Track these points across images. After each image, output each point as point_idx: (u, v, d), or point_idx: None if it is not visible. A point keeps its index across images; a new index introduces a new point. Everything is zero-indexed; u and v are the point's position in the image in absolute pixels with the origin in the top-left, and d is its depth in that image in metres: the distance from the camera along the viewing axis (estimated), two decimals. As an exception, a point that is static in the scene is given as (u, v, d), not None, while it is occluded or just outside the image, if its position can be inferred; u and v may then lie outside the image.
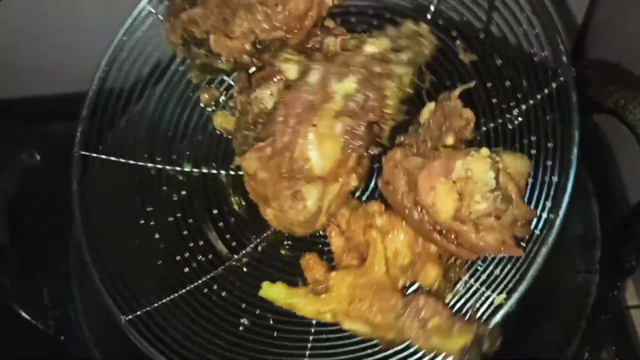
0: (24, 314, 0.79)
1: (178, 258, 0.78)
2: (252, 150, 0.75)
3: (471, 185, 0.65)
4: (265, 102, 0.77)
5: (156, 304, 0.74)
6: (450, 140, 0.72)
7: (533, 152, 0.71)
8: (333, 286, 0.72)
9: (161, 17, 0.82)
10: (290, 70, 0.76)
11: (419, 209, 0.68)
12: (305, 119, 0.73)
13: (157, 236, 0.79)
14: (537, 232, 0.68)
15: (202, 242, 0.80)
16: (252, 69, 0.82)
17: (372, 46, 0.74)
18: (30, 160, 0.87)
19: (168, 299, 0.75)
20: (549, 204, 0.68)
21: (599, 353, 0.80)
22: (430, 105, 0.74)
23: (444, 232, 0.68)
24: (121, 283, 0.72)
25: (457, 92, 0.73)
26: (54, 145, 0.89)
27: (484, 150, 0.66)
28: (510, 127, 0.75)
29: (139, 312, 0.72)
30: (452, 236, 0.67)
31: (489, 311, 0.67)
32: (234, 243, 0.82)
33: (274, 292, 0.75)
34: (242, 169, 0.76)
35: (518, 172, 0.68)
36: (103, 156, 0.79)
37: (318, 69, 0.74)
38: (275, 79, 0.76)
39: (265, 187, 0.75)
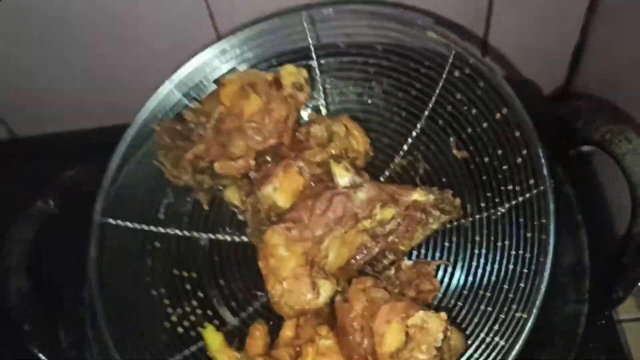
0: (41, 356, 0.84)
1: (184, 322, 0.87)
2: (281, 225, 0.86)
3: (422, 336, 0.75)
4: (272, 196, 0.89)
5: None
6: (412, 294, 0.85)
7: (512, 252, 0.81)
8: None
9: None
10: (345, 179, 0.89)
11: (363, 335, 0.78)
12: (340, 223, 0.86)
13: (166, 302, 0.88)
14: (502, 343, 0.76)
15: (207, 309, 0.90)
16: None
17: (421, 195, 0.87)
18: (46, 208, 0.91)
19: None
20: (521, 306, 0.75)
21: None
22: (408, 263, 0.89)
23: None
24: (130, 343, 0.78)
25: (434, 264, 0.87)
26: (67, 192, 0.94)
27: (443, 315, 0.76)
28: (493, 219, 0.86)
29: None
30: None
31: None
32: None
33: (211, 337, 0.84)
34: (263, 240, 0.85)
35: (456, 346, 0.78)
36: (120, 222, 0.87)
37: (369, 187, 0.88)
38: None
39: (283, 264, 0.84)
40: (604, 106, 0.92)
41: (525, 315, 0.73)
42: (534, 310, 0.72)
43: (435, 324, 0.74)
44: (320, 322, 0.85)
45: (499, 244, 0.83)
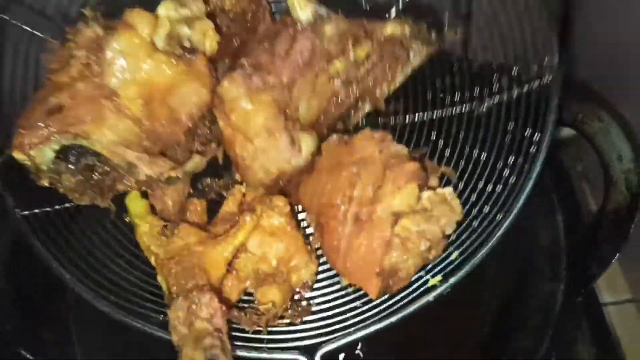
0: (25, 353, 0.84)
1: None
2: (235, 73, 0.68)
3: (439, 211, 0.65)
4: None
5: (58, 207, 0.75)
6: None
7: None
8: (176, 235, 0.70)
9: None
10: (304, 14, 0.72)
11: (361, 183, 0.65)
12: (310, 65, 0.70)
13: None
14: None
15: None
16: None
17: (396, 27, 0.73)
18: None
19: (70, 204, 0.75)
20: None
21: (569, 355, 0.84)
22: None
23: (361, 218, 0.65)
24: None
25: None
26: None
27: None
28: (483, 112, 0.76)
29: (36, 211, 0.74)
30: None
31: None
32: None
33: (136, 205, 0.74)
34: (219, 94, 0.68)
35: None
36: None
37: (337, 21, 0.72)
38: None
39: (250, 119, 0.67)
40: (576, 86, 0.92)
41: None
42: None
43: (455, 205, 0.65)
44: (273, 192, 0.73)
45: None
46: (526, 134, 0.71)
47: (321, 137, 0.73)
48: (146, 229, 0.72)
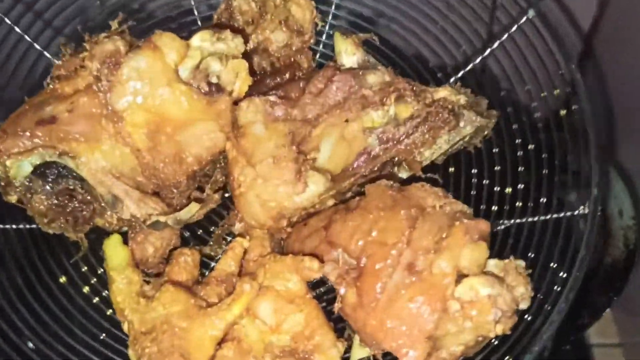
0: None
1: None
2: (256, 97, 0.62)
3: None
4: None
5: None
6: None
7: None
8: (157, 300, 0.56)
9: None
10: (351, 59, 0.68)
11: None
12: (342, 107, 0.64)
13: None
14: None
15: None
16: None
17: (451, 93, 0.66)
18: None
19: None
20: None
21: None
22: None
23: None
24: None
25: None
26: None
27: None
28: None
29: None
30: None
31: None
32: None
33: (116, 253, 0.61)
34: (238, 113, 0.62)
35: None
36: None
37: (384, 73, 0.66)
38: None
39: (260, 145, 0.60)
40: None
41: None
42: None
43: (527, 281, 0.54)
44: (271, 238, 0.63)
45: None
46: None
47: (340, 191, 0.64)
48: (123, 286, 0.59)
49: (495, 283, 0.50)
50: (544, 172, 0.68)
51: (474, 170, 0.73)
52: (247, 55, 0.62)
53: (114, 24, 0.59)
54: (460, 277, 0.51)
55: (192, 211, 0.60)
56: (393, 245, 0.53)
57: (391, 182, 0.61)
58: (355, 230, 0.56)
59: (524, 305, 0.52)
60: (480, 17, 0.76)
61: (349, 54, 0.69)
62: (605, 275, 0.81)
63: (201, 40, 0.59)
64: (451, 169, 0.73)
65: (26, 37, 0.68)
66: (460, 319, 0.50)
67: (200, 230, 0.71)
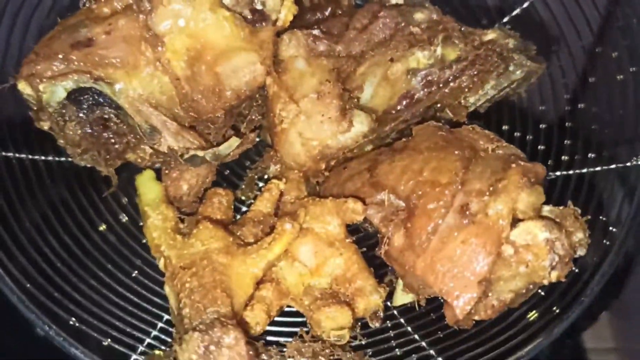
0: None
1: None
2: (299, 31, 0.60)
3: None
4: None
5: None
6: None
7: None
8: (194, 236, 0.54)
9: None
10: None
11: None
12: (387, 45, 0.61)
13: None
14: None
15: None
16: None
17: (499, 36, 0.63)
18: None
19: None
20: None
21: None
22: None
23: None
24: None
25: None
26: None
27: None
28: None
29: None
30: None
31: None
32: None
33: (150, 188, 0.59)
34: (280, 46, 0.60)
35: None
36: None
37: (432, 11, 0.63)
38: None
39: (303, 80, 0.58)
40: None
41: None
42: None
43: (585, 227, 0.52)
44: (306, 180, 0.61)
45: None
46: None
47: (379, 136, 0.61)
48: (158, 222, 0.56)
49: (554, 227, 0.48)
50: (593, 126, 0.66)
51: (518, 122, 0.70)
52: (292, -15, 0.58)
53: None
54: (515, 221, 0.49)
55: (233, 146, 0.58)
56: (446, 185, 0.50)
57: (440, 124, 0.58)
58: (404, 170, 0.53)
59: (581, 252, 0.50)
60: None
61: (397, -12, 0.65)
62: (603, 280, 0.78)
63: (246, -37, 0.56)
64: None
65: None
66: (514, 264, 0.48)
67: (228, 171, 0.68)
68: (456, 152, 0.53)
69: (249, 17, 0.57)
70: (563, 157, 0.66)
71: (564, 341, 0.80)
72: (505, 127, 0.70)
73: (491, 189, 0.50)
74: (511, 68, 0.64)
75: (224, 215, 0.61)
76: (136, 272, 0.59)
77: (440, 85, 0.63)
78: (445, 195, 0.50)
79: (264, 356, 0.49)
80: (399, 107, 0.63)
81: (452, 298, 0.48)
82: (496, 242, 0.48)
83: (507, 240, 0.48)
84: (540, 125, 0.69)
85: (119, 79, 0.54)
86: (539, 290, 0.55)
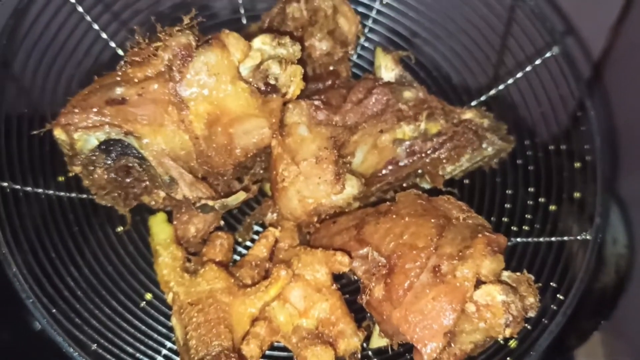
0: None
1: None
2: (303, 101, 0.68)
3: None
4: None
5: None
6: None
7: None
8: (201, 276, 0.62)
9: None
10: (389, 75, 0.74)
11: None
12: (379, 119, 0.70)
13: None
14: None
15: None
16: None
17: (477, 116, 0.73)
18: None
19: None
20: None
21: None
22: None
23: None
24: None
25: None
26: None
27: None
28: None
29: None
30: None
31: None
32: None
33: (162, 229, 0.67)
34: (285, 114, 0.68)
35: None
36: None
37: (419, 91, 0.73)
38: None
39: (303, 145, 0.66)
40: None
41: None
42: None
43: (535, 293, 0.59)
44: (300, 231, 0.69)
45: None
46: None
47: (365, 195, 0.70)
48: (169, 260, 0.64)
49: (510, 291, 0.57)
50: (551, 196, 0.76)
51: (488, 189, 0.80)
52: (301, 61, 0.68)
53: (186, 19, 0.63)
54: (479, 283, 0.58)
55: (240, 199, 0.66)
56: (422, 248, 0.59)
57: (420, 192, 0.67)
58: (387, 232, 0.62)
59: (531, 314, 0.58)
60: (507, 47, 0.83)
61: (388, 69, 0.75)
62: (595, 300, 0.84)
63: (262, 43, 0.65)
64: (466, 181, 0.80)
65: (94, 25, 0.73)
66: (475, 320, 0.57)
67: (228, 215, 0.76)
68: (432, 220, 0.61)
69: (263, 88, 0.66)
70: (523, 225, 0.76)
71: (555, 358, 0.86)
72: (475, 195, 0.80)
73: (460, 254, 0.59)
74: (484, 145, 0.74)
75: (224, 257, 0.69)
76: (144, 303, 0.67)
77: (422, 155, 0.73)
78: (420, 257, 0.59)
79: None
80: (384, 171, 0.73)
81: (421, 345, 0.56)
82: (461, 300, 0.56)
83: (471, 300, 0.57)
84: (507, 191, 0.79)
85: (145, 135, 0.62)
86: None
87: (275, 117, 0.67)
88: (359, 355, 0.62)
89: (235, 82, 0.63)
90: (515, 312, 0.56)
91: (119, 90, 0.63)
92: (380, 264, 0.61)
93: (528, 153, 0.80)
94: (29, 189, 0.67)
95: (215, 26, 0.69)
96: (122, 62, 0.63)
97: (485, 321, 0.56)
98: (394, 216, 0.63)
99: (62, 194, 0.69)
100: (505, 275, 0.60)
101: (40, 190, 0.68)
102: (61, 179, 0.70)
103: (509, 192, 0.79)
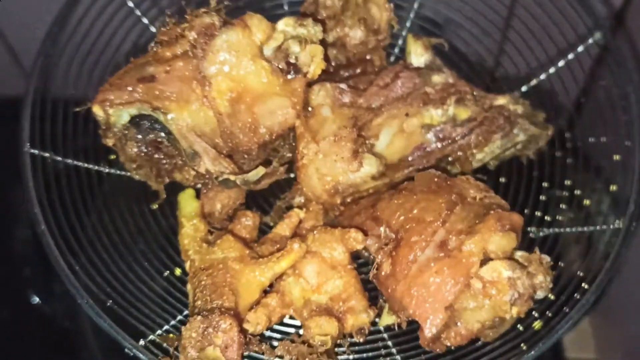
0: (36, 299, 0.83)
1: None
2: (328, 83, 0.70)
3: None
4: None
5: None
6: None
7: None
8: (217, 245, 0.64)
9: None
10: (419, 60, 0.74)
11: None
12: (404, 101, 0.70)
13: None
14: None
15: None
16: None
17: (509, 102, 0.72)
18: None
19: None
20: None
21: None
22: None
23: None
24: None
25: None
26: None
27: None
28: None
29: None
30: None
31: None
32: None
33: (189, 203, 0.70)
34: (309, 96, 0.70)
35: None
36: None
37: (448, 75, 0.73)
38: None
39: (325, 125, 0.68)
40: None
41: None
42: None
43: (549, 274, 0.58)
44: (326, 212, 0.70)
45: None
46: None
47: (394, 181, 0.70)
48: (190, 231, 0.67)
49: (517, 268, 0.55)
50: (586, 188, 0.73)
51: (524, 181, 0.77)
52: (324, 44, 0.69)
53: (212, 2, 0.67)
54: (487, 260, 0.56)
55: (259, 174, 0.68)
56: (430, 222, 0.58)
57: (439, 172, 0.66)
58: (398, 207, 0.62)
59: (541, 293, 0.56)
60: (548, 34, 0.81)
61: (417, 55, 0.75)
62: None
63: (285, 25, 0.67)
64: (502, 179, 0.78)
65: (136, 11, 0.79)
66: (480, 297, 0.55)
67: (262, 200, 0.78)
68: (445, 196, 0.61)
69: (284, 68, 0.68)
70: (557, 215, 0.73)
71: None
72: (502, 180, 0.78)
73: (469, 229, 0.58)
74: (515, 131, 0.72)
75: (248, 234, 0.71)
76: (167, 272, 0.70)
77: (451, 140, 0.72)
78: (427, 231, 0.58)
79: (255, 348, 0.58)
80: (412, 157, 0.72)
81: (422, 320, 0.55)
82: (465, 275, 0.55)
83: (477, 276, 0.56)
84: (543, 183, 0.76)
85: (172, 110, 0.66)
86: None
87: (297, 97, 0.69)
88: (366, 331, 0.62)
89: (256, 60, 0.66)
90: (521, 289, 0.54)
91: (149, 69, 0.67)
92: (390, 239, 0.61)
93: (568, 145, 0.77)
94: (69, 161, 0.72)
95: (256, 11, 0.71)
96: (153, 43, 0.68)
97: (490, 298, 0.55)
98: (408, 193, 0.63)
99: (101, 168, 0.74)
100: (518, 254, 0.58)
101: (80, 164, 0.73)
102: (112, 157, 0.74)
103: (544, 184, 0.76)
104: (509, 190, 0.77)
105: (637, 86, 0.71)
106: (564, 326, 0.60)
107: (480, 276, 0.55)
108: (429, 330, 0.55)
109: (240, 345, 0.54)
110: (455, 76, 0.74)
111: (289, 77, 0.68)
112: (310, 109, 0.71)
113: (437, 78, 0.73)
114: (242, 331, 0.55)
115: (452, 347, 0.58)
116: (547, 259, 0.58)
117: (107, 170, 0.75)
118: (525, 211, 0.74)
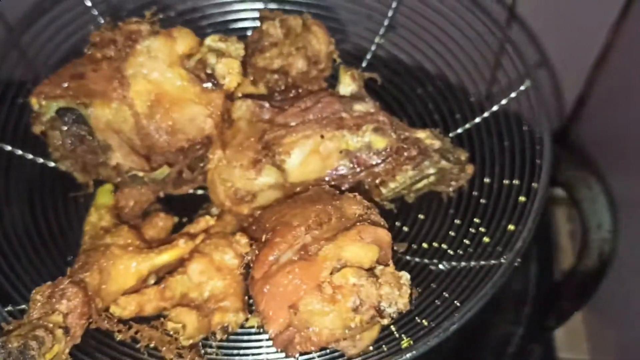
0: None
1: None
2: (252, 100, 0.74)
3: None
4: None
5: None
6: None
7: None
8: (110, 233, 0.67)
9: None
10: (345, 89, 0.77)
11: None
12: (320, 125, 0.72)
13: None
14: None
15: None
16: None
17: (428, 137, 0.74)
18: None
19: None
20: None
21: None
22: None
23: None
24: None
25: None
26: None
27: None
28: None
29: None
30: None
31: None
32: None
33: (104, 197, 0.74)
34: (233, 105, 0.74)
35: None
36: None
37: (370, 106, 0.75)
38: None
39: (236, 134, 0.72)
40: (572, 151, 0.96)
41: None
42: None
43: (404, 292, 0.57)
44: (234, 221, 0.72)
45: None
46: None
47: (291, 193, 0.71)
48: (94, 219, 0.71)
49: (364, 276, 0.55)
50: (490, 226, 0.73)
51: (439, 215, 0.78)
52: (244, 61, 0.74)
53: (147, 14, 0.73)
54: (343, 266, 0.57)
55: (164, 172, 0.71)
56: (295, 227, 0.60)
57: (330, 188, 0.68)
58: (275, 212, 0.64)
59: (384, 303, 0.55)
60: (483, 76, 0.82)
61: (345, 84, 0.78)
62: (577, 283, 0.85)
63: (211, 40, 0.72)
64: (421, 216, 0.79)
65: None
66: (327, 301, 0.56)
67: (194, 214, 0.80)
68: (320, 207, 0.62)
69: (204, 78, 0.72)
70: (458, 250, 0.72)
71: (534, 337, 0.87)
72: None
73: (332, 237, 0.59)
74: (426, 163, 0.74)
75: (157, 234, 0.74)
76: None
77: (365, 167, 0.74)
78: (291, 234, 0.60)
79: (107, 325, 0.59)
80: (326, 179, 0.75)
81: (262, 317, 0.56)
82: (314, 278, 0.56)
83: (329, 281, 0.56)
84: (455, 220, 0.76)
85: (94, 105, 0.71)
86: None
87: (215, 107, 0.73)
88: (230, 330, 0.63)
89: (174, 67, 0.71)
90: (364, 296, 0.55)
91: (81, 67, 0.73)
92: (259, 239, 0.63)
93: (484, 187, 0.77)
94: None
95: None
96: (89, 45, 0.74)
97: (335, 303, 0.55)
98: (291, 201, 0.65)
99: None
100: (379, 268, 0.58)
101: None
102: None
103: (457, 221, 0.76)
104: (425, 223, 0.77)
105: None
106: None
107: (332, 282, 0.56)
108: (271, 328, 0.55)
109: (82, 314, 0.56)
110: (377, 107, 0.77)
111: (205, 85, 0.72)
112: (231, 121, 0.75)
113: (358, 107, 0.76)
114: (90, 304, 0.57)
115: (305, 352, 0.58)
116: (406, 276, 0.58)
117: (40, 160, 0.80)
118: (434, 244, 0.75)
